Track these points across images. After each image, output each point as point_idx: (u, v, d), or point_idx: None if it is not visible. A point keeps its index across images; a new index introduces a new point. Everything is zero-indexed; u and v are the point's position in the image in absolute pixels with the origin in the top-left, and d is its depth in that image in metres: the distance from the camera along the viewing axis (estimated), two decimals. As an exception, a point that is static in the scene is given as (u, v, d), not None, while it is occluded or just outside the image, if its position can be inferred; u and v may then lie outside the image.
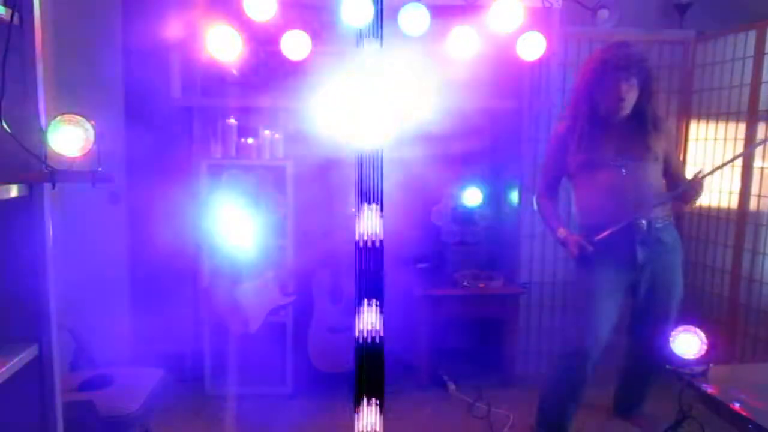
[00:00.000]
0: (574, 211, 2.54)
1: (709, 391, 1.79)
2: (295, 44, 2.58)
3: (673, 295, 2.42)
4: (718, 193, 3.04)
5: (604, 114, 2.30)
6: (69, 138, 1.31)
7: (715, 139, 3.06)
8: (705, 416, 2.08)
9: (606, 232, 2.26)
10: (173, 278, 3.11)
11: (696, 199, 2.39)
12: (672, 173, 2.44)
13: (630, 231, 2.29)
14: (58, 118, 1.30)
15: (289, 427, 2.72)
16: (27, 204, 1.34)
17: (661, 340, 2.42)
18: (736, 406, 1.67)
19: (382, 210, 1.81)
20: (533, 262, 3.22)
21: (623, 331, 2.61)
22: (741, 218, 2.87)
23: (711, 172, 2.34)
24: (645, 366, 2.57)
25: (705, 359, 1.96)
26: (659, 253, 2.34)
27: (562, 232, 2.41)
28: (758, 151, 2.78)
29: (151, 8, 2.83)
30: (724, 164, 2.44)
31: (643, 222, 2.29)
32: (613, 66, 2.20)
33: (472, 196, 3.32)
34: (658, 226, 2.32)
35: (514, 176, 3.24)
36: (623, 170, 2.29)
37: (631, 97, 2.24)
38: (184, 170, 3.02)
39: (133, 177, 3.02)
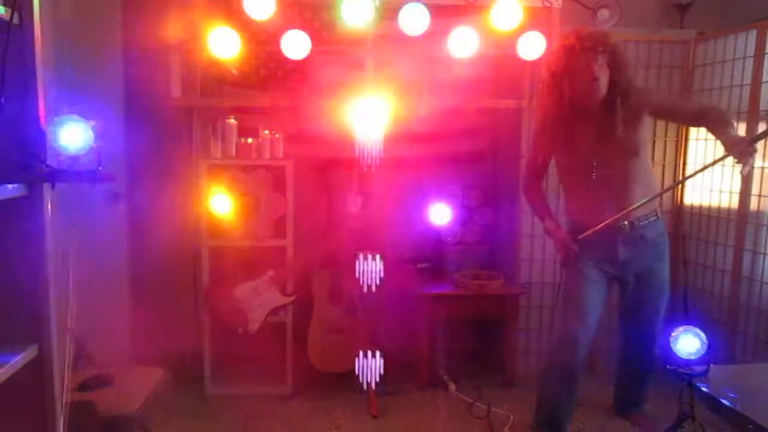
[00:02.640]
0: (563, 208, 2.55)
1: (709, 391, 1.79)
2: (295, 44, 2.58)
3: (659, 289, 2.42)
4: (719, 192, 3.03)
5: (579, 102, 2.22)
6: (69, 138, 1.31)
7: (716, 139, 3.05)
8: (705, 416, 2.09)
9: (588, 233, 2.28)
10: (173, 278, 3.10)
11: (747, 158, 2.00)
12: (683, 117, 2.44)
13: (612, 232, 2.30)
14: (58, 118, 1.30)
15: (289, 427, 2.72)
16: (27, 204, 1.34)
17: (650, 335, 2.44)
18: (737, 406, 1.67)
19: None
20: (533, 262, 3.22)
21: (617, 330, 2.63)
22: (741, 218, 2.87)
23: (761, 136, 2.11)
24: (637, 362, 2.58)
25: (705, 359, 1.96)
26: (641, 249, 2.34)
27: (548, 224, 2.43)
28: (759, 151, 2.78)
29: (151, 8, 2.82)
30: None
31: (626, 223, 2.29)
32: (579, 49, 2.13)
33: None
34: (641, 224, 2.31)
35: (514, 176, 3.23)
36: (600, 171, 2.26)
37: (603, 76, 2.17)
38: (184, 170, 3.01)
39: (133, 177, 3.02)
